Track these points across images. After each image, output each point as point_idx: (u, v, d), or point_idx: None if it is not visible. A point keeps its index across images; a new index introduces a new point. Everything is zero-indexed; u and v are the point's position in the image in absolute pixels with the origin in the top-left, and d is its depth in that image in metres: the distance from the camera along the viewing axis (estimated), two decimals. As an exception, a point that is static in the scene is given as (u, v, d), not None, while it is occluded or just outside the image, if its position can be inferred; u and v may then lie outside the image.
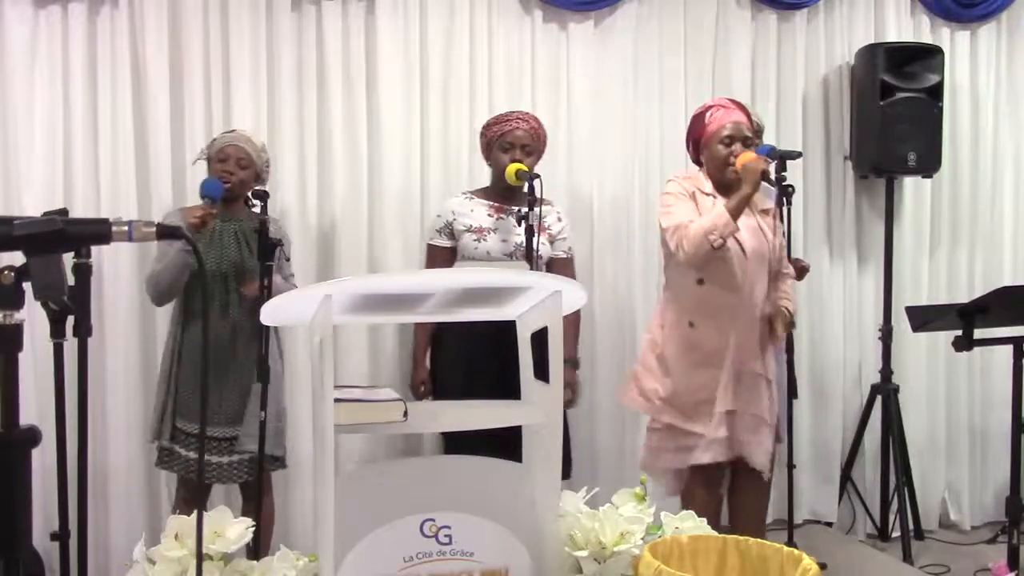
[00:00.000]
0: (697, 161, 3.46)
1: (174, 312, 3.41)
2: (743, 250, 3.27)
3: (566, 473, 3.66)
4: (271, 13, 3.86)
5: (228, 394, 3.33)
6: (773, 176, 3.40)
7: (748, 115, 3.41)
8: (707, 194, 3.33)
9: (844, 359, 4.56)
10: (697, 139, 3.41)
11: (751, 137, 3.36)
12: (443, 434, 3.42)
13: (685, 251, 3.23)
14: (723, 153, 3.30)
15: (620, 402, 3.63)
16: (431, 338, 3.67)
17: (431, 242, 3.68)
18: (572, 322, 3.62)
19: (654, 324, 3.48)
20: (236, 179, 3.34)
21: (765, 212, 3.42)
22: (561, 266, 3.67)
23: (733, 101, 3.44)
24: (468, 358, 3.46)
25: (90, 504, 2.78)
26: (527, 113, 3.68)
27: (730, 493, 3.52)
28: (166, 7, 3.74)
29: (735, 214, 3.17)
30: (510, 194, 3.58)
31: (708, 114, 3.37)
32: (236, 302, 3.34)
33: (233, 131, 3.49)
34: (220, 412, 3.32)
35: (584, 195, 4.21)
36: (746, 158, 3.23)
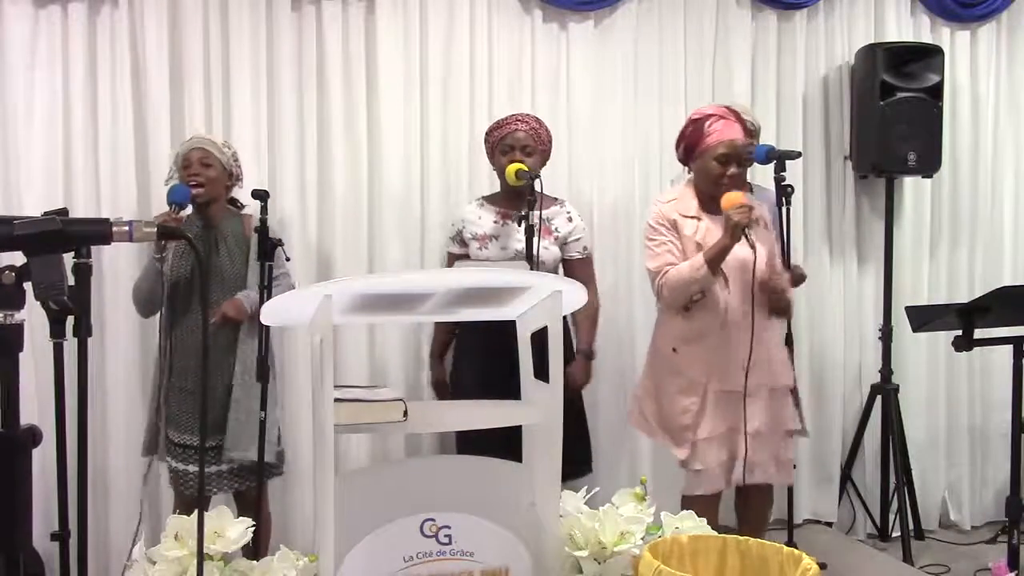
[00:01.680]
0: (684, 162, 3.40)
1: (161, 326, 3.39)
2: (725, 278, 3.22)
3: (588, 468, 3.69)
4: (271, 13, 3.86)
5: (212, 402, 3.29)
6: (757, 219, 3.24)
7: (744, 125, 3.34)
8: (690, 217, 3.28)
9: (844, 359, 4.56)
10: (691, 146, 3.33)
11: (746, 157, 3.29)
12: (457, 434, 3.44)
13: (665, 298, 3.27)
14: (717, 171, 3.24)
15: (630, 425, 3.61)
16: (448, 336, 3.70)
17: (448, 250, 3.76)
18: (589, 316, 3.66)
19: (650, 346, 3.49)
20: (204, 179, 3.31)
21: (755, 221, 3.31)
22: (578, 267, 3.67)
23: (731, 110, 3.34)
24: (483, 358, 3.43)
25: (90, 504, 2.79)
26: (527, 114, 3.67)
27: (736, 497, 3.49)
28: (166, 7, 3.74)
29: (714, 267, 3.14)
30: (516, 198, 3.55)
31: (708, 123, 3.27)
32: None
33: (191, 137, 3.45)
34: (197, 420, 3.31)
35: (584, 195, 4.20)
36: (730, 201, 3.13)
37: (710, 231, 3.24)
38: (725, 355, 3.23)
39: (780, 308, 3.33)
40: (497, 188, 3.73)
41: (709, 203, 3.29)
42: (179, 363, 3.34)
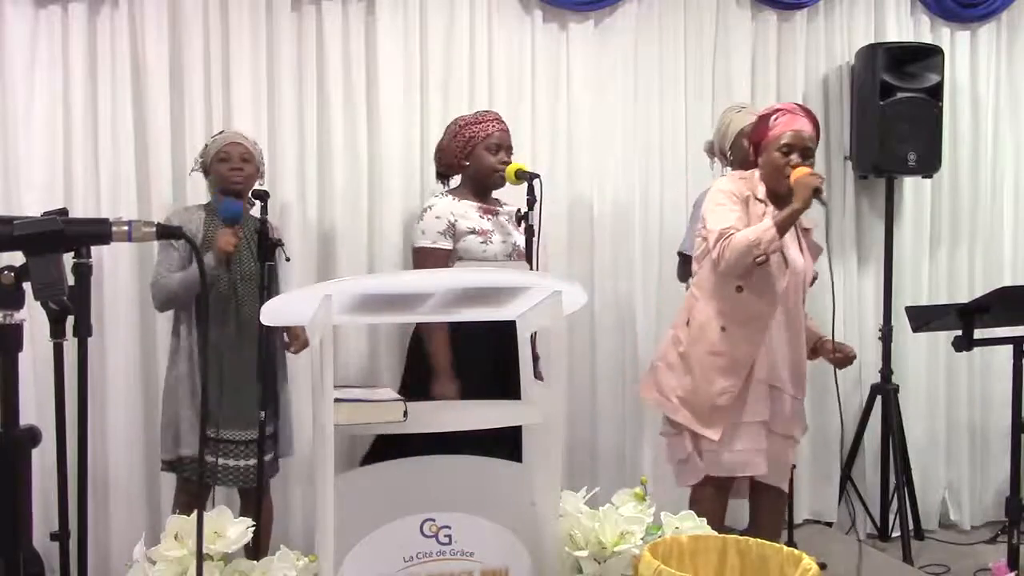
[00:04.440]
0: (755, 164, 3.36)
1: (182, 324, 3.36)
2: (786, 263, 3.21)
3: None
4: (271, 13, 3.86)
5: (249, 396, 3.28)
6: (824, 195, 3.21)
7: (816, 124, 3.31)
8: (760, 200, 3.25)
9: (844, 359, 4.56)
10: (758, 142, 3.31)
11: (811, 148, 3.25)
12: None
13: (726, 260, 3.17)
14: (780, 161, 3.20)
15: (640, 396, 3.55)
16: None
17: (433, 245, 3.44)
18: None
19: (679, 321, 3.40)
20: (245, 174, 3.35)
21: (807, 231, 3.33)
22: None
23: (802, 108, 3.33)
24: (478, 358, 3.37)
25: (90, 504, 2.79)
26: (496, 112, 3.65)
27: (750, 500, 3.46)
28: (166, 7, 3.74)
29: (782, 230, 3.11)
30: (487, 194, 3.56)
31: (773, 118, 3.26)
32: (249, 309, 3.30)
33: (223, 132, 3.49)
34: (241, 416, 3.30)
35: (584, 195, 4.21)
36: (800, 172, 3.14)
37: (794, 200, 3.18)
38: (770, 347, 3.23)
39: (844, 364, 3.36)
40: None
41: (772, 199, 3.25)
42: (222, 362, 3.32)
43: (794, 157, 3.20)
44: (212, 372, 3.31)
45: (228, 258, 3.22)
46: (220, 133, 3.48)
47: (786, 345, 3.27)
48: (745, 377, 3.22)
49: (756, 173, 3.33)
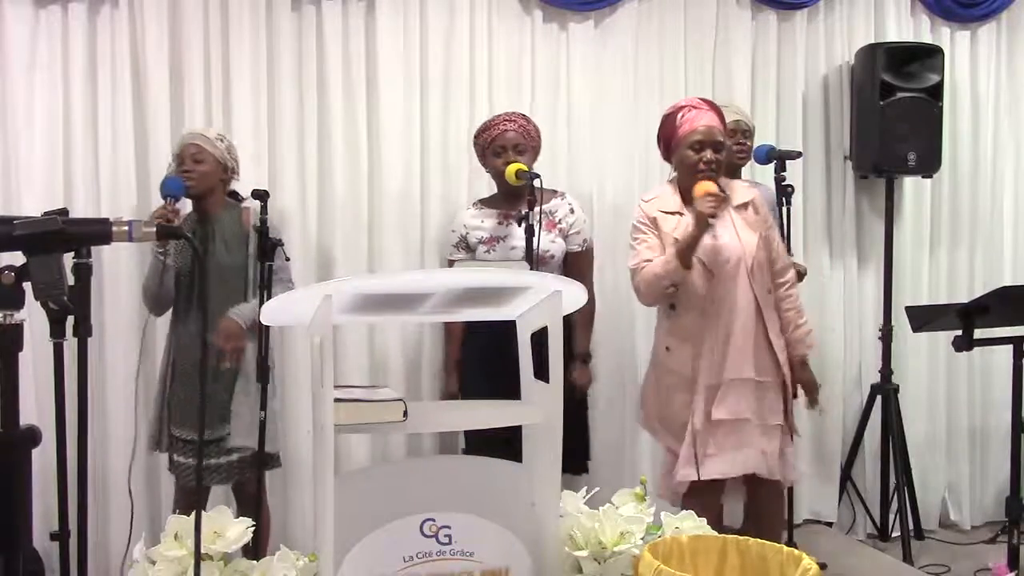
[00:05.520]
0: (668, 159, 3.38)
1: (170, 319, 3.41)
2: (709, 269, 3.20)
3: (584, 468, 3.68)
4: (271, 13, 3.86)
5: (215, 395, 3.30)
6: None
7: (722, 117, 3.31)
8: (671, 213, 3.25)
9: (844, 359, 4.56)
10: (668, 140, 3.31)
11: (722, 142, 3.24)
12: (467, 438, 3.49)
13: (643, 294, 3.27)
14: (693, 159, 3.20)
15: (641, 426, 3.60)
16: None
17: (449, 257, 3.71)
18: (585, 317, 3.62)
19: (653, 346, 3.48)
20: (196, 174, 3.31)
21: (743, 207, 3.29)
22: (576, 260, 3.66)
23: (706, 101, 3.33)
24: (487, 358, 3.38)
25: (90, 504, 2.78)
26: (514, 113, 3.67)
27: (747, 501, 3.46)
28: (166, 7, 3.74)
29: (683, 259, 3.12)
30: (514, 198, 3.56)
31: (680, 115, 3.26)
32: (218, 302, 3.30)
33: (185, 133, 3.47)
34: (208, 413, 3.29)
35: (584, 195, 4.19)
36: (701, 190, 3.11)
37: (691, 226, 3.22)
38: (712, 349, 3.21)
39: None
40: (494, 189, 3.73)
41: (689, 199, 3.23)
42: (183, 358, 3.35)
43: (707, 153, 3.19)
44: (181, 373, 3.34)
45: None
46: (184, 134, 3.46)
47: (737, 335, 3.21)
48: (695, 389, 3.22)
49: (667, 186, 3.34)
